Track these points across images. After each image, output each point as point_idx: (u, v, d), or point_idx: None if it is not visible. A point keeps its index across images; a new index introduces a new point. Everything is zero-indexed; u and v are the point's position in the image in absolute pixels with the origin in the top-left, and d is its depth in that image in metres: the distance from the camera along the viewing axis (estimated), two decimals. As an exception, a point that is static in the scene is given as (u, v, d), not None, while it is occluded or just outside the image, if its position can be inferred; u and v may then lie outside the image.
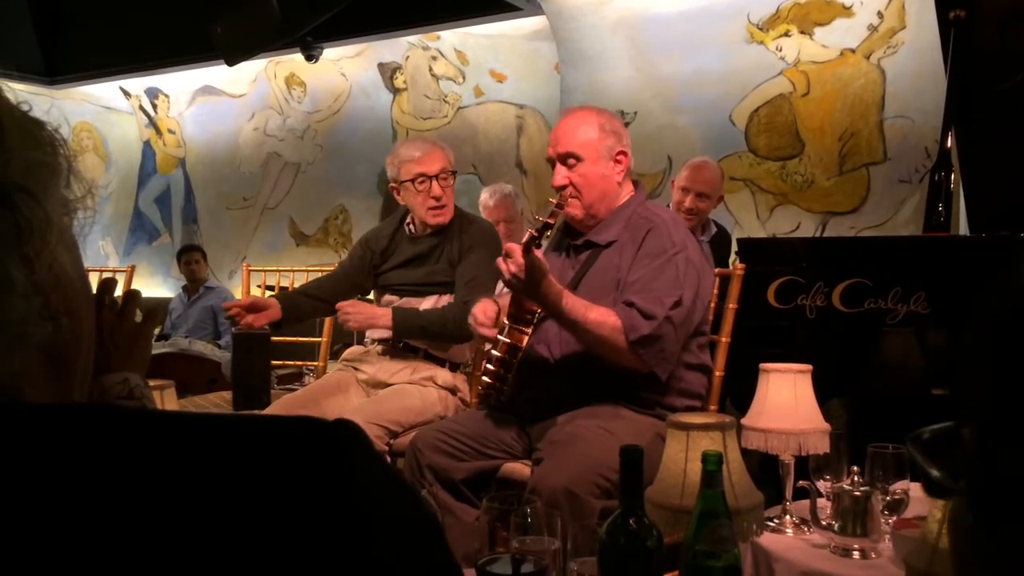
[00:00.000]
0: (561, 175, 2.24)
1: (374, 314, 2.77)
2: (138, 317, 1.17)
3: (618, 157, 2.26)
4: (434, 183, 2.78)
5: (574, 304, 2.02)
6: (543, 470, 1.99)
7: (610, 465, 1.90)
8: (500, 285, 2.40)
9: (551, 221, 2.10)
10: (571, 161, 2.23)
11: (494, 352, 2.15)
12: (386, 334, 2.82)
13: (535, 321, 2.15)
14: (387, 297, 2.92)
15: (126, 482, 0.48)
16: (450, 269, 2.82)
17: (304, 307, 2.95)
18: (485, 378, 2.17)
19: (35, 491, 0.47)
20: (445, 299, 2.82)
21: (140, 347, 1.15)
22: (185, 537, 0.47)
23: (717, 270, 2.63)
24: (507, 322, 2.15)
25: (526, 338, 2.14)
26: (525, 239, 1.92)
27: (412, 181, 2.79)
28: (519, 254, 1.92)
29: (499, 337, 2.14)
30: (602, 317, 2.02)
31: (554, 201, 2.19)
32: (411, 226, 2.92)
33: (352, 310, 2.75)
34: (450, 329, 2.69)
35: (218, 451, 0.51)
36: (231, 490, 0.49)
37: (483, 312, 2.20)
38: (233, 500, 0.48)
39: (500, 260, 1.98)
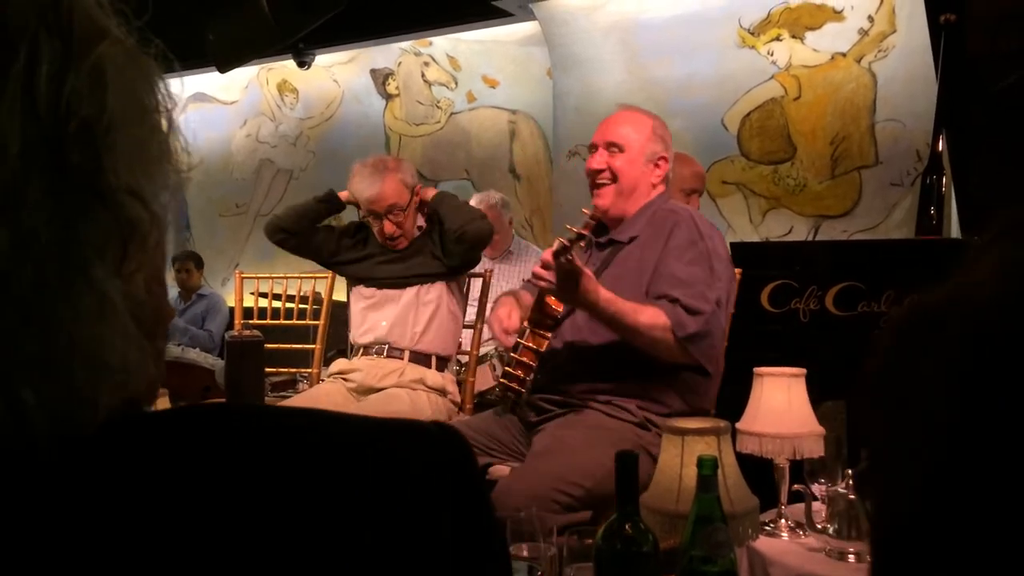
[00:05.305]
0: (601, 158, 2.27)
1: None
2: None
3: (659, 162, 2.29)
4: (385, 222, 2.81)
5: (622, 308, 2.02)
6: (500, 485, 1.97)
7: (572, 480, 1.91)
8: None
9: (584, 232, 2.13)
10: (614, 149, 2.26)
11: (514, 355, 2.17)
12: (372, 337, 2.83)
13: (554, 326, 2.17)
14: (363, 290, 2.93)
15: (253, 483, 0.46)
16: (435, 261, 2.83)
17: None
18: (504, 380, 2.18)
19: (178, 495, 0.46)
20: (426, 289, 2.83)
21: None
22: (319, 536, 0.46)
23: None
24: (528, 326, 2.16)
25: (547, 343, 2.15)
26: (555, 247, 1.93)
27: (368, 215, 2.86)
28: (551, 260, 1.95)
29: (520, 341, 2.16)
30: (652, 319, 2.02)
31: (588, 212, 2.23)
32: None
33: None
34: (475, 218, 2.80)
35: (352, 451, 0.49)
36: (368, 492, 0.48)
37: (508, 317, 2.23)
38: (366, 503, 0.47)
39: (536, 267, 2.03)
